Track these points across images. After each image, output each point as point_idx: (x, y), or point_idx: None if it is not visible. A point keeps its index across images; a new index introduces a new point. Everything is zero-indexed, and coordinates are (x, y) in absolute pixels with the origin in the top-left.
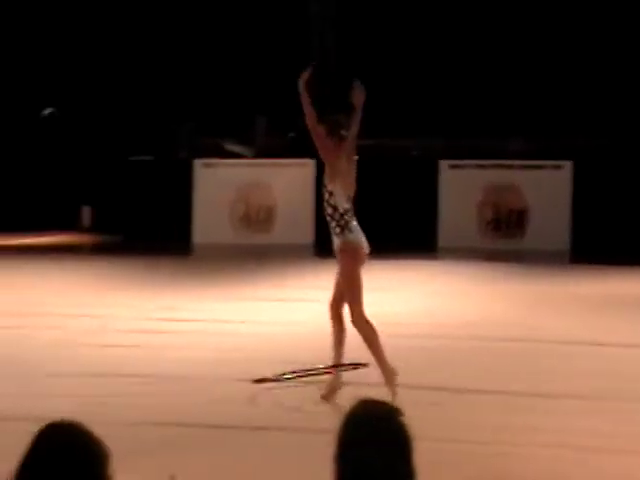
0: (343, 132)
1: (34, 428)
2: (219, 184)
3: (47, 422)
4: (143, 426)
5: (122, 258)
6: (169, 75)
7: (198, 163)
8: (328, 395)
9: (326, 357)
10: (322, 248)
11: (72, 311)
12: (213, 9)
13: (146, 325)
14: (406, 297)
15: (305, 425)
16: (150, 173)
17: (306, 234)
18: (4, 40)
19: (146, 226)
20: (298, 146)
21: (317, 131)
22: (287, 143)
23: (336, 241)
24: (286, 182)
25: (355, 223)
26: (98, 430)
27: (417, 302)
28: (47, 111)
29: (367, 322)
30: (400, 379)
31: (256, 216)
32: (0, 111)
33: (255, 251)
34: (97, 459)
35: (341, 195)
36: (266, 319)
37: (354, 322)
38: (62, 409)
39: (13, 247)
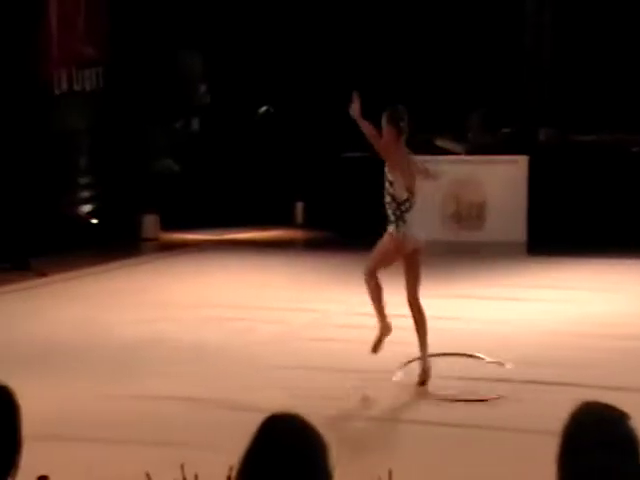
0: (402, 124)
1: (255, 419)
2: (429, 181)
3: (269, 414)
4: (356, 421)
5: (334, 254)
6: (384, 72)
7: None
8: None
9: (548, 354)
10: (534, 246)
11: (291, 305)
12: (433, 4)
13: (360, 320)
14: (619, 298)
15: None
16: (362, 169)
17: (518, 232)
18: (229, 42)
19: (358, 222)
20: (511, 142)
21: (383, 141)
22: (500, 139)
23: (389, 228)
24: (498, 179)
25: (410, 215)
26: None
27: (631, 303)
28: (263, 109)
29: (376, 280)
30: (620, 382)
31: (467, 213)
32: (218, 110)
33: (466, 248)
34: (319, 450)
35: (401, 185)
36: (476, 317)
37: (365, 275)
38: (280, 402)
39: (230, 242)
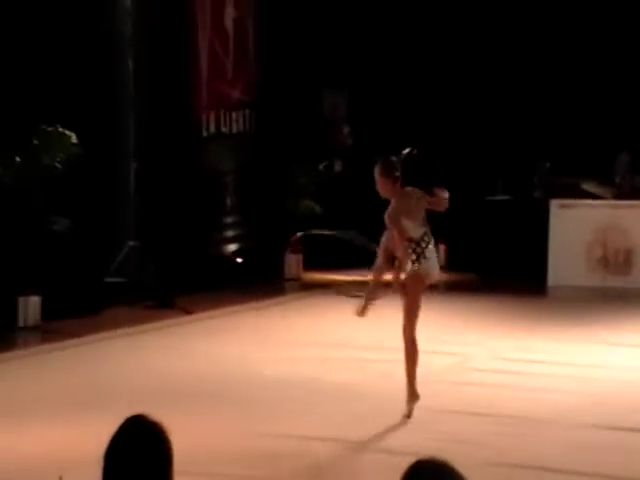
0: (397, 174)
1: (399, 463)
2: (576, 225)
3: (415, 459)
4: (498, 467)
5: (477, 296)
6: (523, 115)
7: (555, 203)
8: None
9: None
10: None
11: (431, 348)
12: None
13: (501, 365)
14: None
15: None
16: (506, 213)
17: None
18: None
19: (501, 265)
20: None
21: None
22: None
23: (410, 267)
24: None
25: (431, 247)
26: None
27: None
28: (406, 151)
29: (414, 343)
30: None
31: (614, 259)
32: (361, 152)
33: (613, 294)
34: None
35: (410, 227)
36: (622, 365)
37: (405, 339)
38: (421, 444)
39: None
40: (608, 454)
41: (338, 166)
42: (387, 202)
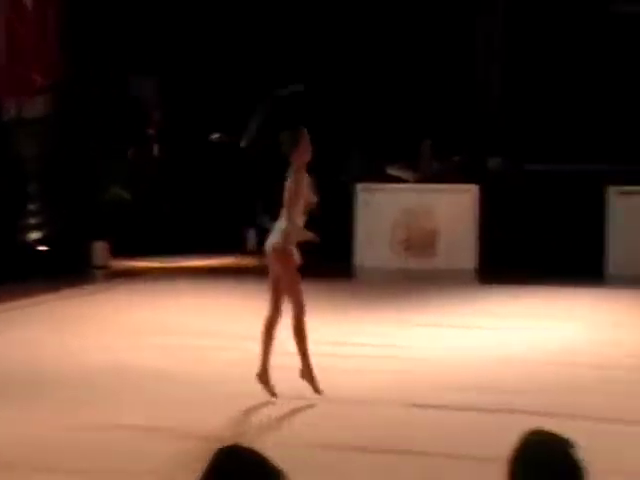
0: None
1: (203, 448)
2: (381, 208)
3: (220, 446)
4: (310, 448)
5: None
6: (337, 102)
7: (360, 187)
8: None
9: (499, 382)
10: (485, 274)
11: (245, 333)
12: (383, 37)
13: (313, 348)
14: (582, 326)
15: (465, 452)
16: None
17: (469, 259)
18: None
19: (308, 249)
20: (462, 171)
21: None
22: (451, 168)
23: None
24: (449, 207)
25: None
26: (270, 451)
27: (595, 331)
28: (215, 136)
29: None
30: (580, 411)
31: (418, 241)
32: (172, 135)
33: (417, 276)
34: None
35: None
36: (427, 345)
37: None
38: (232, 430)
39: (181, 269)
40: (414, 430)
41: (147, 151)
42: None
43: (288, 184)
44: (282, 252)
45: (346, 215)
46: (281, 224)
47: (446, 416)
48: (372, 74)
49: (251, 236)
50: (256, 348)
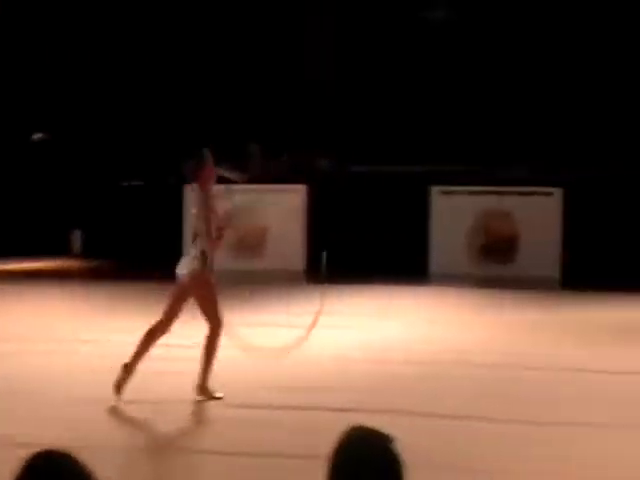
0: None
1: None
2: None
3: (34, 452)
4: (138, 451)
5: (113, 283)
6: (162, 101)
7: (189, 188)
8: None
9: (328, 381)
10: (312, 275)
11: (72, 337)
12: (204, 34)
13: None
14: (400, 324)
15: (293, 451)
16: (141, 198)
17: (298, 260)
18: None
19: (137, 250)
20: (291, 171)
21: None
22: (279, 168)
23: (198, 266)
24: (278, 207)
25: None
26: (87, 456)
27: (411, 329)
28: (37, 135)
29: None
30: (400, 406)
31: (247, 242)
32: None
33: (246, 276)
34: None
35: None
36: (259, 345)
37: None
38: (48, 434)
39: (2, 272)
40: (238, 430)
41: None
42: None
43: (197, 211)
44: (200, 279)
45: (172, 217)
46: (196, 250)
47: (270, 416)
48: (199, 72)
49: (76, 238)
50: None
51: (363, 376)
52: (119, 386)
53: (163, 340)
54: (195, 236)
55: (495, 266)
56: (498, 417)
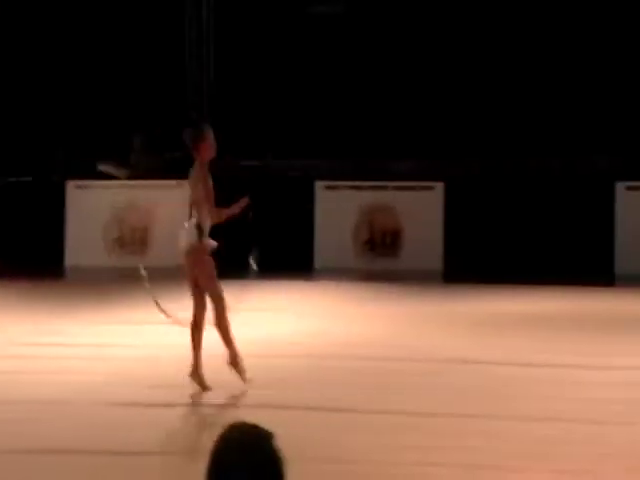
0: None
1: None
2: (92, 206)
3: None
4: (23, 454)
5: None
6: (42, 96)
7: (71, 185)
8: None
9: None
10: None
11: None
12: (92, 31)
13: (20, 350)
14: (286, 318)
15: (179, 448)
16: (24, 195)
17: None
18: None
19: (19, 249)
20: (175, 166)
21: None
22: (164, 163)
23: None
24: (163, 204)
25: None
26: None
27: (296, 323)
28: None
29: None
30: (283, 399)
31: (132, 238)
32: None
33: (130, 274)
34: None
35: None
36: (139, 343)
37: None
38: None
39: None
40: (118, 430)
41: None
42: None
43: (194, 182)
44: (200, 251)
45: (56, 214)
46: (193, 222)
47: (156, 413)
48: (79, 69)
49: None
50: None
51: (259, 371)
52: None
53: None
54: (191, 208)
55: (380, 260)
56: (376, 408)
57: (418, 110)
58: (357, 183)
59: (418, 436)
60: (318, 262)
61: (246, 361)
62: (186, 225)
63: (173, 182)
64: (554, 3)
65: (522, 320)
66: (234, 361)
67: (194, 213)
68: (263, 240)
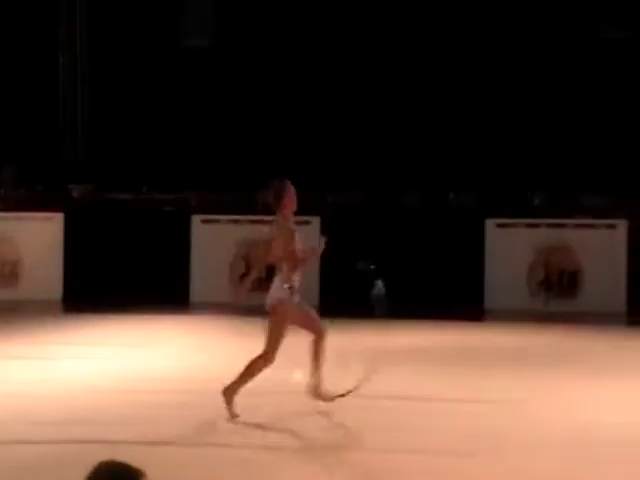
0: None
1: None
2: None
3: None
4: None
5: None
6: None
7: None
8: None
9: (88, 413)
10: (71, 303)
11: None
12: None
13: None
14: (161, 352)
15: None
16: None
17: (55, 289)
18: None
19: None
20: (45, 199)
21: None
22: (33, 195)
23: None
24: (33, 236)
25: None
26: None
27: (173, 357)
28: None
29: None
30: (152, 437)
31: (1, 271)
32: None
33: (1, 307)
34: None
35: None
36: (8, 377)
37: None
38: None
39: None
40: None
41: None
42: None
43: (276, 238)
44: (281, 309)
45: None
46: (279, 280)
47: (21, 450)
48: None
49: None
50: None
51: (112, 407)
52: (229, 411)
53: None
54: (276, 266)
55: (256, 294)
56: (240, 442)
57: (284, 141)
58: (235, 217)
59: (289, 469)
60: (194, 296)
61: (110, 397)
62: (275, 281)
63: (45, 214)
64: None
65: (395, 354)
66: (230, 393)
67: (279, 267)
68: (139, 274)
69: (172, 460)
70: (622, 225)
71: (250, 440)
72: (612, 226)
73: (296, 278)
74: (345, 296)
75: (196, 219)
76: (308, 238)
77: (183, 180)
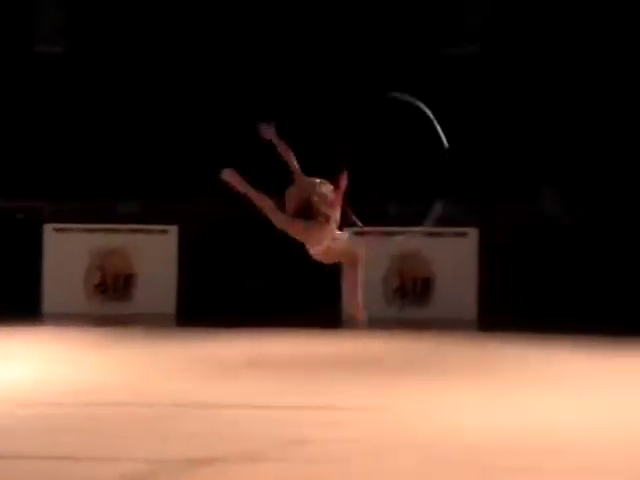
0: None
1: None
2: None
3: None
4: None
5: None
6: None
7: None
8: None
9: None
10: None
11: None
12: None
13: None
14: (15, 365)
15: None
16: None
17: None
18: None
19: None
20: None
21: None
22: None
23: None
24: None
25: None
26: None
27: (27, 370)
28: None
29: None
30: (17, 451)
31: None
32: None
33: None
34: None
35: None
36: None
37: None
38: None
39: None
40: None
41: None
42: None
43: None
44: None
45: None
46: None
47: None
48: None
49: None
50: None
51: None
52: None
53: None
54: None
55: (112, 304)
56: (100, 455)
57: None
58: (89, 226)
59: None
60: (47, 307)
61: None
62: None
63: None
64: None
65: (246, 363)
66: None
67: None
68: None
69: (34, 473)
70: (473, 233)
71: (101, 453)
72: (463, 234)
73: None
74: (207, 304)
75: (48, 227)
76: (166, 246)
77: (35, 188)
